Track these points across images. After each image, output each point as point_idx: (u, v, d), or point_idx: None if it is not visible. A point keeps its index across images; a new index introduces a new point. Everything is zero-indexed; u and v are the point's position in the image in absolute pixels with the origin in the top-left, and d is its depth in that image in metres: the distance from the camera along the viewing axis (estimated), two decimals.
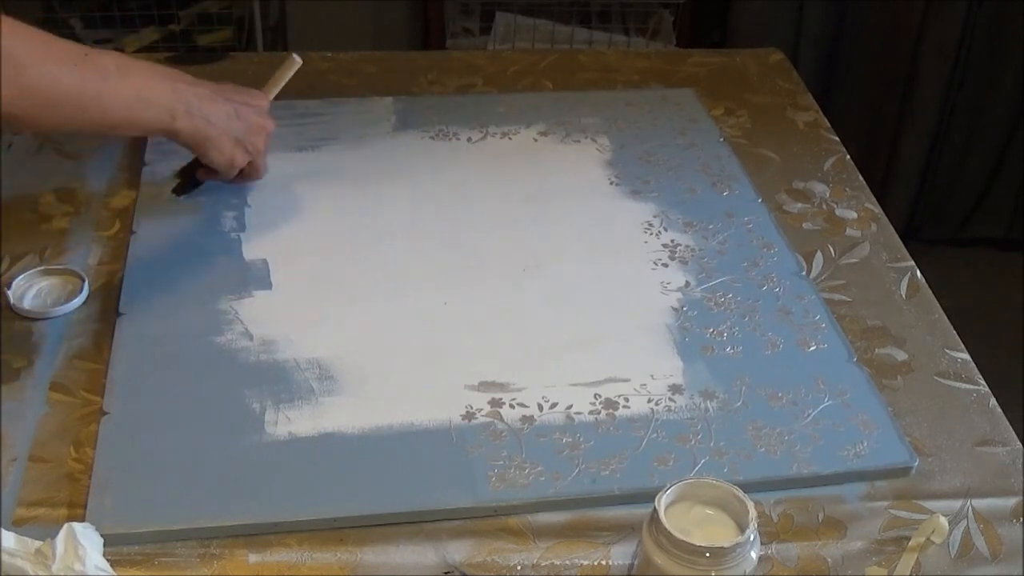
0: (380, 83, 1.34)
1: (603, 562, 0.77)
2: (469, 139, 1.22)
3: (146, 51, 2.03)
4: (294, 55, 1.09)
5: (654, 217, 1.11)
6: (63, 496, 0.79)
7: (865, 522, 0.81)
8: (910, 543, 0.79)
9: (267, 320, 0.95)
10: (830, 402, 0.90)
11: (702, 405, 0.89)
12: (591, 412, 0.87)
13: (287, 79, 1.09)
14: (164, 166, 1.13)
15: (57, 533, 0.70)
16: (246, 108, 1.00)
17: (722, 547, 0.67)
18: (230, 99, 0.99)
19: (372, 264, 1.03)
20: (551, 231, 1.09)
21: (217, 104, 0.97)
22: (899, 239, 1.12)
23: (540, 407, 0.88)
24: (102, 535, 0.73)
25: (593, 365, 0.92)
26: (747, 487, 0.71)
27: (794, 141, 1.27)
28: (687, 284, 1.02)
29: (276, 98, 1.07)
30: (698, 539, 0.67)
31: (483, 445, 0.84)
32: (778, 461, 0.84)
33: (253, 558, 0.76)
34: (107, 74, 0.88)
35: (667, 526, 0.67)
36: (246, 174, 1.06)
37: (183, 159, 1.11)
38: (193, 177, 1.07)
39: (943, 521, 0.80)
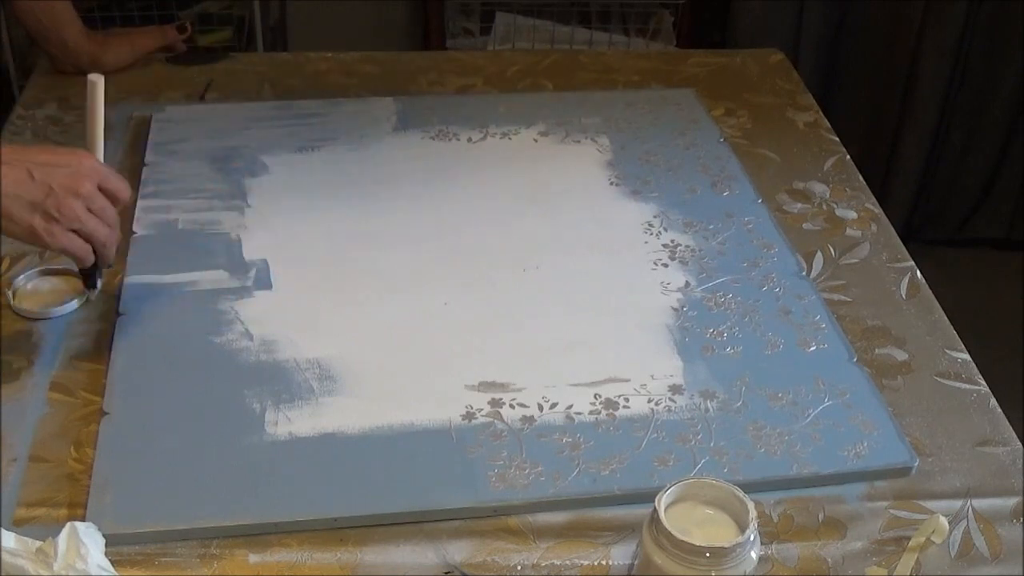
0: (380, 83, 1.34)
1: (603, 562, 0.77)
2: (469, 139, 1.22)
3: None
4: (90, 76, 0.92)
5: (654, 217, 1.11)
6: (63, 496, 0.79)
7: (865, 522, 0.81)
8: (910, 543, 0.79)
9: (267, 320, 0.95)
10: (830, 402, 0.89)
11: (702, 405, 0.89)
12: (591, 412, 0.87)
13: (102, 106, 0.93)
14: (165, 166, 1.13)
15: (57, 533, 0.70)
16: (51, 169, 0.86)
17: (722, 547, 0.67)
18: (28, 160, 0.85)
19: (372, 264, 1.03)
20: (551, 231, 1.09)
21: (4, 169, 0.84)
22: (899, 239, 1.12)
23: (540, 407, 0.88)
24: (102, 535, 0.73)
25: (593, 365, 0.92)
26: (747, 487, 0.71)
27: (794, 141, 1.27)
28: (687, 284, 1.02)
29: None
30: (698, 539, 0.67)
31: (483, 445, 0.84)
32: (778, 461, 0.84)
33: (253, 558, 0.76)
34: None
35: (667, 526, 0.67)
36: (95, 250, 0.90)
37: (185, 159, 1.11)
38: (84, 272, 0.94)
39: (943, 521, 0.80)
